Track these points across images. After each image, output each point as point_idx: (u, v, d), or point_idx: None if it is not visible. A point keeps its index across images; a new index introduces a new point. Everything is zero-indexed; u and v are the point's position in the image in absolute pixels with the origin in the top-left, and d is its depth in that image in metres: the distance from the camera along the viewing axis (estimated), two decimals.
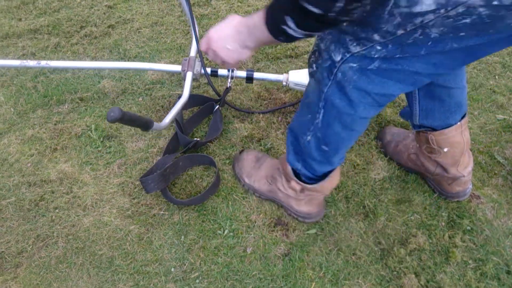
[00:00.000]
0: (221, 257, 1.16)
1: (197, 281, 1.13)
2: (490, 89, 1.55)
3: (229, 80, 1.43)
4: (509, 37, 0.69)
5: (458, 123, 1.09)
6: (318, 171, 1.05)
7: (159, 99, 1.57)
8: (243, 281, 1.12)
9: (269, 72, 1.63)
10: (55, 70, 1.70)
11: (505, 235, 1.18)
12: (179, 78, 1.65)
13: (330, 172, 1.06)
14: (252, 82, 1.45)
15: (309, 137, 0.96)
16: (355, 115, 0.85)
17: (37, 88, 1.64)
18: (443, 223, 1.21)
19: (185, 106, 1.45)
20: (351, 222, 1.22)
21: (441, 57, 0.72)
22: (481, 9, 0.60)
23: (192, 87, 1.45)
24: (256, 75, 1.43)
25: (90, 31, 1.86)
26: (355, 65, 0.76)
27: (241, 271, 1.14)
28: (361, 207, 1.25)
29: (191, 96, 1.38)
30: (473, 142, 1.39)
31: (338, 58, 0.78)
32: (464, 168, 1.18)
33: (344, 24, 0.74)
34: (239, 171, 1.30)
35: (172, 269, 1.15)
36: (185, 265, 1.16)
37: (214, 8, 1.93)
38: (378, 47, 0.72)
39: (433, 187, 1.27)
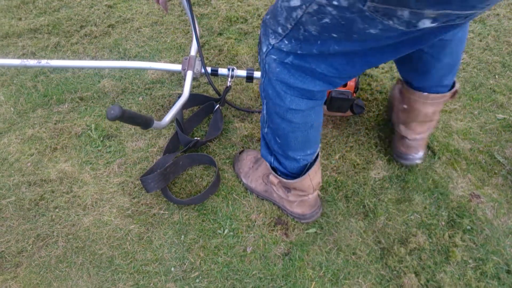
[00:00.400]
0: (221, 257, 1.16)
1: (197, 280, 1.13)
2: (490, 88, 1.55)
3: (229, 79, 1.43)
4: (392, 47, 0.71)
5: (425, 93, 1.10)
6: (288, 167, 1.06)
7: (159, 98, 1.57)
8: (243, 281, 1.12)
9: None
10: (55, 69, 1.70)
11: (505, 234, 1.18)
12: (179, 78, 1.65)
13: (304, 169, 1.06)
14: (252, 81, 1.45)
15: (266, 129, 1.02)
16: (284, 106, 0.89)
17: (37, 88, 1.64)
18: (443, 223, 1.21)
19: (185, 106, 1.45)
20: (351, 222, 1.22)
21: (338, 59, 0.77)
22: (329, 8, 0.66)
23: (192, 87, 1.46)
24: (257, 74, 1.43)
25: (90, 31, 1.86)
26: (275, 57, 0.83)
27: (241, 271, 1.14)
28: (361, 207, 1.25)
29: (191, 96, 1.38)
30: (473, 141, 1.39)
31: (264, 49, 0.85)
32: (411, 133, 1.20)
33: (268, 16, 0.81)
34: (238, 171, 1.31)
35: (172, 269, 1.15)
36: (185, 264, 1.16)
37: (214, 8, 1.93)
38: (286, 41, 0.78)
39: (393, 142, 1.31)
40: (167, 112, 1.52)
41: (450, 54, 1.03)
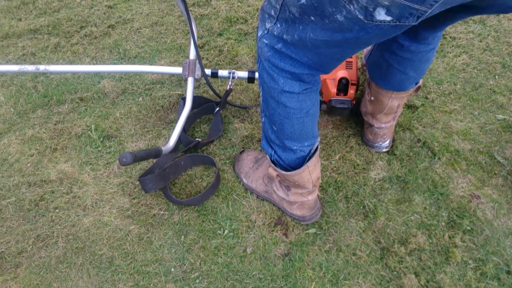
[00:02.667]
0: (221, 257, 1.16)
1: (197, 281, 1.13)
2: (490, 89, 1.55)
3: (230, 81, 1.43)
4: (353, 43, 0.75)
5: (390, 91, 1.18)
6: (285, 159, 1.07)
7: (159, 99, 1.57)
8: (243, 281, 1.12)
9: None
10: (53, 73, 1.70)
11: (505, 235, 1.18)
12: (179, 78, 1.65)
13: (300, 162, 1.07)
14: (253, 82, 1.46)
15: (263, 118, 1.04)
16: (278, 88, 0.91)
17: (37, 88, 1.64)
18: (443, 223, 1.21)
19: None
20: (351, 222, 1.22)
21: (313, 50, 0.81)
22: None
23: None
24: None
25: (90, 31, 1.86)
26: (267, 41, 0.87)
27: (241, 271, 1.14)
28: (361, 207, 1.25)
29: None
30: (473, 142, 1.39)
31: (259, 33, 0.89)
32: (377, 121, 1.30)
33: (266, 2, 0.85)
34: (238, 171, 1.31)
35: (172, 269, 1.15)
36: (185, 265, 1.16)
37: (214, 8, 1.93)
38: (278, 24, 0.82)
39: (363, 130, 1.40)
40: (167, 113, 1.53)
41: (416, 69, 1.11)
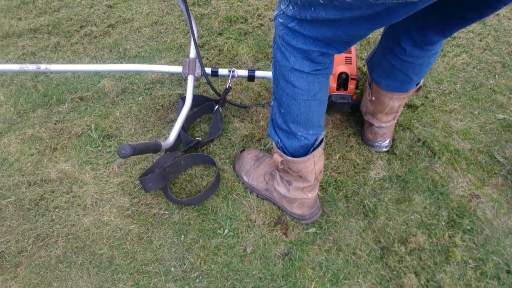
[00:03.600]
0: (221, 257, 1.16)
1: (197, 280, 1.13)
2: (490, 88, 1.55)
3: (229, 80, 1.43)
4: (363, 20, 0.77)
5: (392, 92, 1.19)
6: (289, 147, 1.07)
7: (159, 98, 1.57)
8: (243, 281, 1.12)
9: (269, 71, 1.63)
10: (54, 72, 1.70)
11: (505, 234, 1.18)
12: (179, 78, 1.65)
13: (303, 151, 1.07)
14: (253, 80, 1.46)
15: (273, 101, 1.05)
16: (288, 66, 0.93)
17: (37, 88, 1.64)
18: (443, 223, 1.21)
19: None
20: (351, 222, 1.22)
21: (327, 27, 0.83)
22: None
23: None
24: (258, 73, 1.44)
25: (90, 31, 1.86)
26: (282, 20, 0.89)
27: (241, 271, 1.14)
28: (361, 207, 1.25)
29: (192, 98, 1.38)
30: (473, 141, 1.39)
31: (276, 12, 0.92)
32: (377, 121, 1.30)
33: None
34: (239, 169, 1.31)
35: (172, 269, 1.15)
36: (185, 264, 1.16)
37: (214, 8, 1.93)
38: (290, 7, 0.84)
39: (363, 130, 1.41)
40: (167, 112, 1.53)
41: (418, 72, 1.12)
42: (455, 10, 0.89)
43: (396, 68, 1.11)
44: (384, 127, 1.31)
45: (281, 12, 0.89)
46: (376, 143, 1.36)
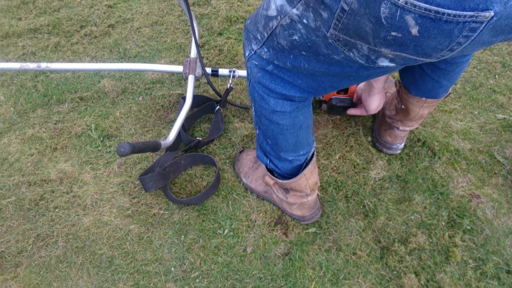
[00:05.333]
0: (221, 257, 1.16)
1: (197, 280, 1.13)
2: (490, 88, 1.55)
3: (230, 80, 1.43)
4: (354, 76, 0.72)
5: (424, 98, 1.14)
6: (282, 168, 1.07)
7: (159, 98, 1.57)
8: (243, 281, 1.12)
9: None
10: (54, 70, 1.70)
11: (505, 234, 1.18)
12: (179, 78, 1.65)
13: (300, 169, 1.07)
14: None
15: (257, 131, 1.04)
16: (269, 108, 0.90)
17: (37, 88, 1.64)
18: (443, 223, 1.21)
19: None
20: (351, 221, 1.22)
21: (309, 77, 0.78)
22: (299, 26, 0.66)
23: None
24: None
25: (90, 31, 1.86)
26: (256, 63, 0.84)
27: (241, 271, 1.14)
28: (361, 207, 1.25)
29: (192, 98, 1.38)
30: (473, 141, 1.39)
31: (247, 53, 0.87)
32: (403, 125, 1.27)
33: (249, 21, 0.83)
34: (238, 171, 1.32)
35: (172, 269, 1.15)
36: (185, 264, 1.16)
37: (214, 8, 1.93)
38: (265, 49, 0.80)
39: (374, 128, 1.39)
40: (167, 112, 1.53)
41: (449, 78, 1.07)
42: None
43: (427, 74, 1.06)
44: (407, 130, 1.28)
45: (253, 52, 0.84)
46: (394, 146, 1.32)
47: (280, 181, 1.10)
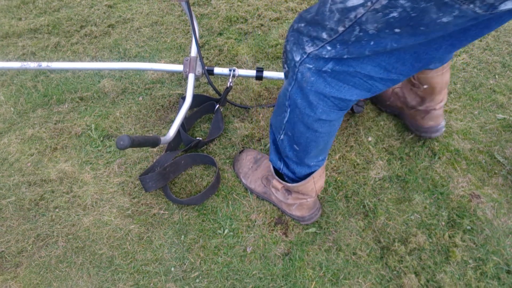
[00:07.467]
0: (221, 257, 1.16)
1: (197, 280, 1.13)
2: (490, 88, 1.55)
3: (230, 79, 1.43)
4: (447, 37, 0.70)
5: (440, 66, 1.14)
6: (298, 173, 1.05)
7: (159, 98, 1.57)
8: (243, 281, 1.12)
9: (274, 71, 1.63)
10: (55, 70, 1.70)
11: (505, 234, 1.18)
12: (179, 78, 1.65)
13: (310, 174, 1.06)
14: (261, 80, 1.46)
15: (282, 136, 0.99)
16: (314, 116, 0.86)
17: (37, 88, 1.64)
18: (443, 223, 1.21)
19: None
20: (351, 221, 1.22)
21: (388, 59, 0.74)
22: (402, 1, 0.62)
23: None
24: (266, 73, 1.43)
25: (90, 31, 1.86)
26: (311, 66, 0.79)
27: (241, 271, 1.14)
28: (361, 207, 1.25)
29: (192, 97, 1.38)
30: (473, 141, 1.39)
31: (297, 58, 0.81)
32: (437, 103, 1.27)
33: (302, 25, 0.78)
34: (238, 171, 1.32)
35: (172, 269, 1.15)
36: (185, 264, 1.16)
37: (214, 8, 1.93)
38: (328, 47, 0.75)
39: (409, 124, 1.39)
40: (167, 112, 1.53)
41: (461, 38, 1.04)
42: None
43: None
44: (443, 104, 1.29)
45: (306, 56, 0.79)
46: (439, 126, 1.33)
47: (289, 185, 1.09)
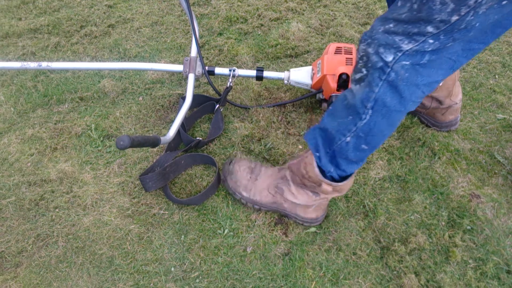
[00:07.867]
0: (221, 257, 1.16)
1: (197, 280, 1.13)
2: (490, 88, 1.55)
3: (229, 79, 1.43)
4: None
5: None
6: (348, 171, 1.04)
7: (159, 98, 1.57)
8: (243, 281, 1.12)
9: (274, 71, 1.63)
10: (55, 69, 1.70)
11: (505, 234, 1.18)
12: (179, 78, 1.65)
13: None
14: (262, 80, 1.46)
15: (348, 138, 0.96)
16: (404, 111, 0.88)
17: (37, 88, 1.64)
18: (443, 223, 1.21)
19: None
20: (351, 221, 1.22)
21: (476, 32, 0.75)
22: None
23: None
24: (266, 73, 1.43)
25: (90, 31, 1.86)
26: (407, 62, 0.79)
27: (241, 271, 1.14)
28: (361, 207, 1.25)
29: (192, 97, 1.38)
30: (473, 141, 1.39)
31: (390, 58, 0.81)
32: (456, 96, 1.32)
33: (391, 25, 0.78)
34: (234, 185, 1.24)
35: (172, 269, 1.15)
36: (185, 264, 1.16)
37: (214, 8, 1.93)
38: (431, 40, 0.75)
39: (426, 121, 1.43)
40: (167, 112, 1.53)
41: None
42: None
43: None
44: (461, 97, 1.34)
45: (402, 53, 0.79)
46: (458, 119, 1.39)
47: (339, 184, 1.06)
